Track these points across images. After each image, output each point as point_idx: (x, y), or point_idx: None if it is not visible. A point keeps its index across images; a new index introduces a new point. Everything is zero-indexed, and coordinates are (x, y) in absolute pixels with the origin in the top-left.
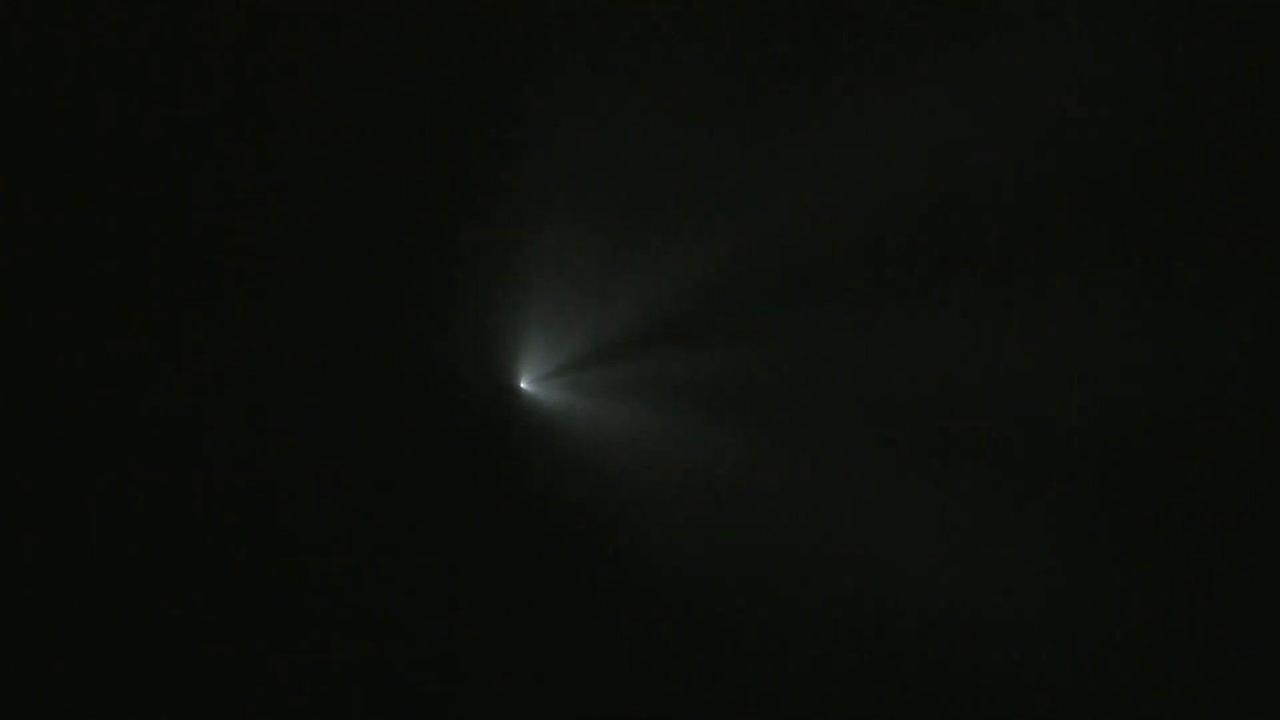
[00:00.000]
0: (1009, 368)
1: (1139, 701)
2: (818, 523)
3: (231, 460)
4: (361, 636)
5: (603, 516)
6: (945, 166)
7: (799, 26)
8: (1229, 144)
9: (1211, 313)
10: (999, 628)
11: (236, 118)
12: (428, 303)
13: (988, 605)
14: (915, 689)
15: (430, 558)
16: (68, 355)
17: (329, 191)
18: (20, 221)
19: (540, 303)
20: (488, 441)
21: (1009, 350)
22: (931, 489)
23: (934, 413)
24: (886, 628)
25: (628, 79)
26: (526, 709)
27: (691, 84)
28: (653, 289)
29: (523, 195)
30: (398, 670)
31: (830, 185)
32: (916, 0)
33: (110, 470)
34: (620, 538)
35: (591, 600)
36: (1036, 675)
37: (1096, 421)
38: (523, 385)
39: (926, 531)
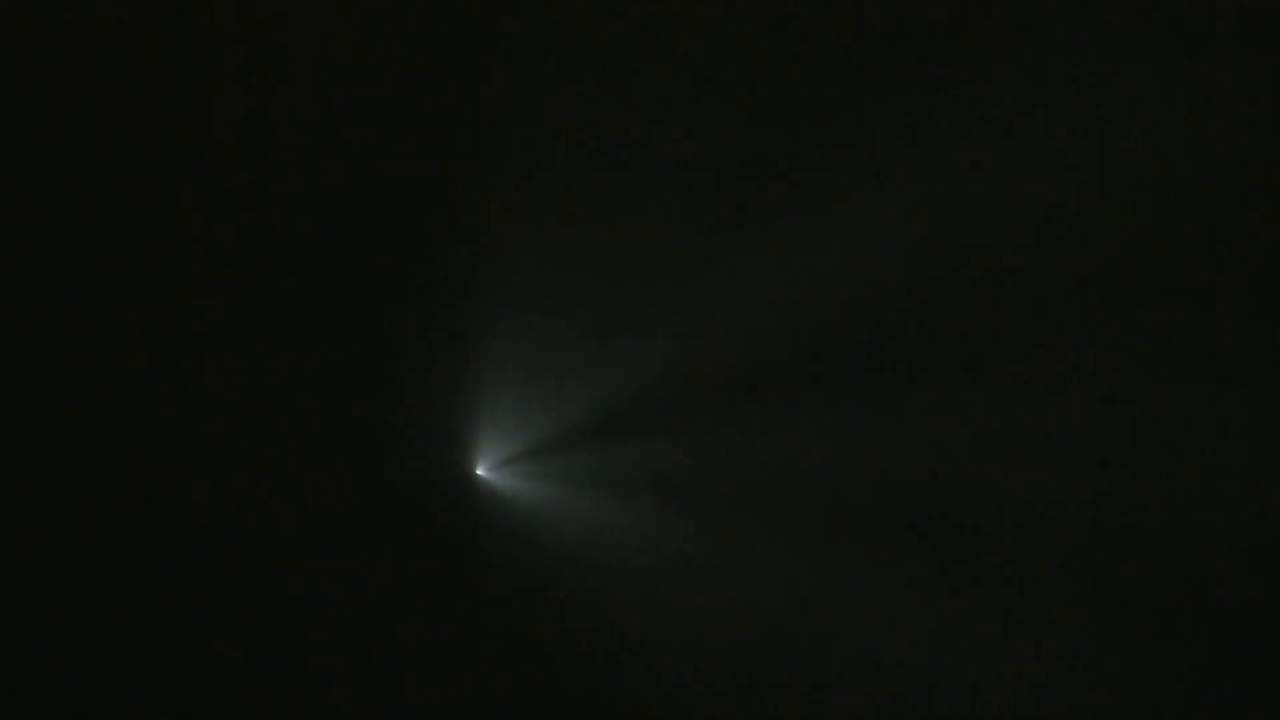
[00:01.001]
0: (975, 457)
1: None
2: (776, 614)
3: (173, 541)
4: None
5: (558, 601)
6: (914, 258)
7: (772, 115)
8: (1229, 230)
9: (1208, 402)
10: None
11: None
12: (385, 387)
13: (958, 696)
14: None
15: (381, 639)
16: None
17: (287, 275)
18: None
19: (499, 390)
20: (444, 526)
21: (976, 440)
22: (893, 579)
23: (896, 504)
24: (854, 715)
25: (593, 166)
26: None
27: (657, 175)
28: (613, 378)
29: (484, 280)
30: None
31: (795, 276)
32: (891, 89)
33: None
34: (575, 624)
35: (546, 686)
36: None
37: (1065, 512)
38: (479, 472)
39: (889, 621)
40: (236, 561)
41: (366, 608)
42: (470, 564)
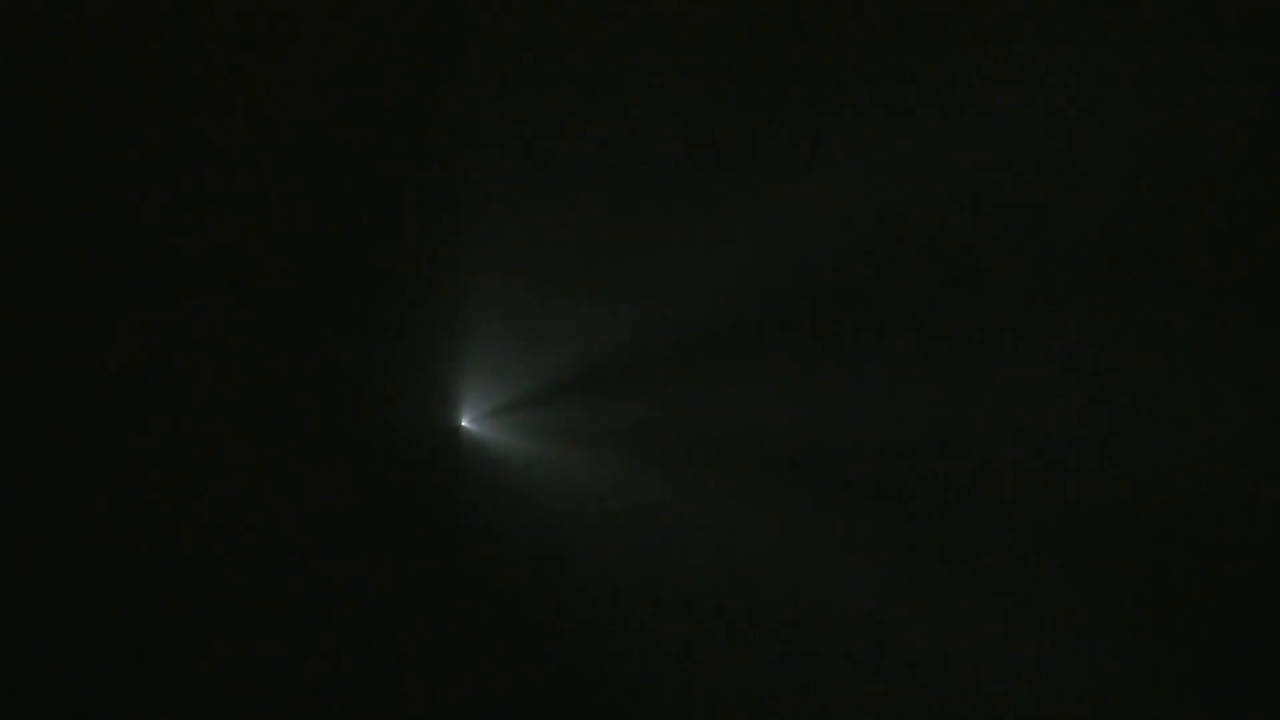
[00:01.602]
0: (950, 417)
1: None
2: (749, 567)
3: (166, 502)
4: (302, 678)
5: (535, 549)
6: (894, 215)
7: (750, 88)
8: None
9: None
10: (945, 674)
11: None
12: (371, 340)
13: (930, 653)
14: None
15: (365, 593)
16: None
17: (268, 231)
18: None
19: (482, 345)
20: (429, 473)
21: (951, 399)
22: (867, 535)
23: (872, 460)
24: (824, 671)
25: (573, 129)
26: None
27: (636, 135)
28: (592, 337)
29: (466, 239)
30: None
31: (775, 233)
32: (879, 68)
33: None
34: (552, 573)
35: (525, 638)
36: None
37: (1050, 476)
38: (464, 424)
39: (860, 575)
40: (227, 518)
41: (353, 557)
42: (453, 510)
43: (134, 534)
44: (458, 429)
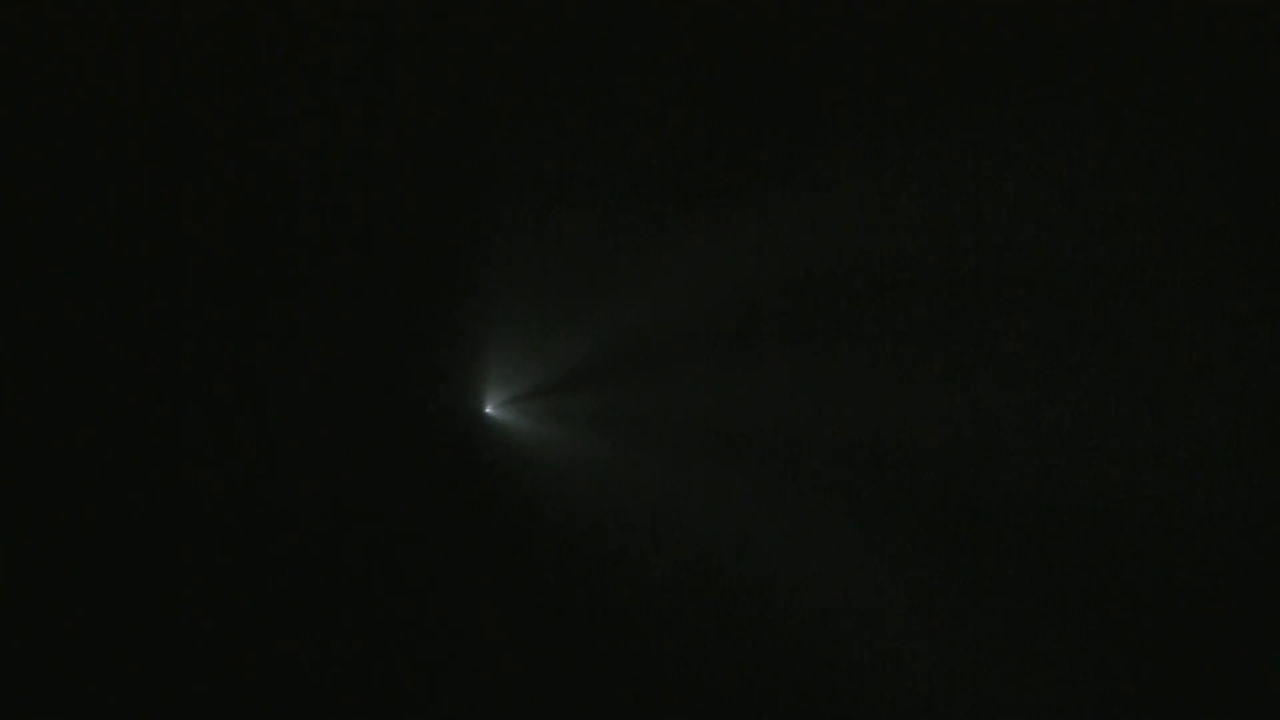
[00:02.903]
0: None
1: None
2: (760, 554)
3: (196, 483)
4: (327, 659)
5: (553, 517)
6: (885, 226)
7: (756, 97)
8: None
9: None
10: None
11: (211, 140)
12: (407, 337)
13: (930, 648)
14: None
15: (392, 572)
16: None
17: (303, 221)
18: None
19: (507, 334)
20: (456, 454)
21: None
22: (867, 522)
23: (875, 453)
24: (836, 657)
25: (603, 119)
26: None
27: (663, 126)
28: (607, 331)
29: (493, 231)
30: (357, 694)
31: (790, 235)
32: (889, 82)
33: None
34: (570, 547)
35: (549, 612)
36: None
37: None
38: (488, 410)
39: (864, 570)
40: (261, 502)
41: (384, 536)
42: (477, 486)
43: (171, 515)
44: (482, 413)
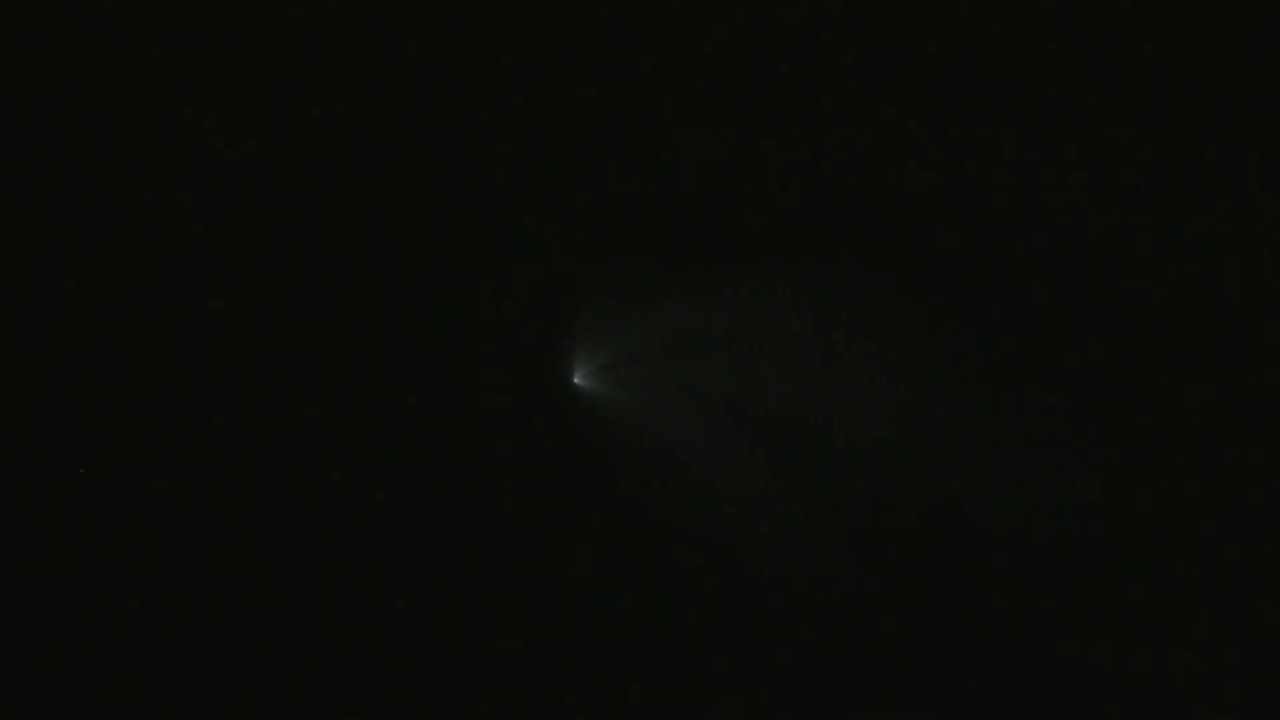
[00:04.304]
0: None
1: None
2: (817, 527)
3: (284, 453)
4: (404, 619)
5: (637, 488)
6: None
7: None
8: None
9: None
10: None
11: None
12: (504, 313)
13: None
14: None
15: (484, 534)
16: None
17: (398, 200)
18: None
19: (591, 313)
20: (547, 418)
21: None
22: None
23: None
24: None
25: (689, 137)
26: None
27: (737, 143)
28: (686, 308)
29: (579, 222)
30: (432, 655)
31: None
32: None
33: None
34: (651, 514)
35: (632, 570)
36: None
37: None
38: (575, 379)
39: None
40: (360, 473)
41: (474, 501)
42: (566, 447)
43: (258, 483)
44: (570, 383)
